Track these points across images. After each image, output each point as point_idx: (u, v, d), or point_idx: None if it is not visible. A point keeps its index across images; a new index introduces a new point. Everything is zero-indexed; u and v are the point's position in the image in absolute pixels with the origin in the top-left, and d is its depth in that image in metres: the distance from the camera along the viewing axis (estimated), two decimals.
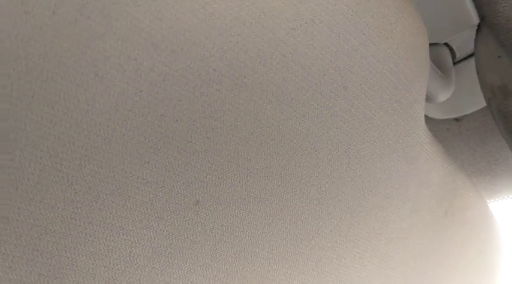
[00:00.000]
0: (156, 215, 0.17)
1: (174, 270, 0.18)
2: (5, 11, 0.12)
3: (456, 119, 0.41)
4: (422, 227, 0.28)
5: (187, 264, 0.18)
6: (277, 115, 0.19)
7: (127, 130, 0.15)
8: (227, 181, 0.18)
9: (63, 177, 0.15)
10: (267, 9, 0.17)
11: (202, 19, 0.15)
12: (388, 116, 0.23)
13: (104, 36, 0.14)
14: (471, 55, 0.36)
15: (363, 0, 0.19)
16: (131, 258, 0.17)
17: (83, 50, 0.14)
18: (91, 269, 0.16)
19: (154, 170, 0.16)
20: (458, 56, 0.36)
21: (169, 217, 0.17)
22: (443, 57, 0.34)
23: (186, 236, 0.18)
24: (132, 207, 0.16)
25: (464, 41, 0.34)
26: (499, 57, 0.27)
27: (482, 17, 0.26)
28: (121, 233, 0.16)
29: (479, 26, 0.29)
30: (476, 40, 0.29)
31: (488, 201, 0.48)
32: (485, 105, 0.32)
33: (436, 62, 0.33)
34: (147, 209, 0.17)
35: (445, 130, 0.42)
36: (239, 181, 0.19)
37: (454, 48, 0.35)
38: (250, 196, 0.19)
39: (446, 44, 0.35)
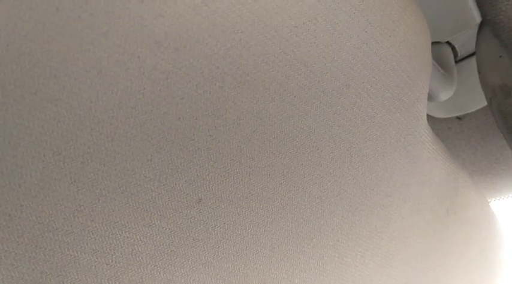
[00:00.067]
0: (158, 213, 0.17)
1: (176, 268, 0.18)
2: (9, 7, 0.12)
3: (458, 118, 0.41)
4: (424, 226, 0.28)
5: (190, 262, 0.18)
6: (280, 113, 0.19)
7: (130, 127, 0.15)
8: (229, 179, 0.18)
9: (66, 174, 0.15)
10: (269, 7, 0.17)
11: (205, 17, 0.15)
12: (390, 114, 0.23)
13: (107, 34, 0.14)
14: (473, 54, 0.36)
15: None
16: (133, 256, 0.17)
17: (86, 47, 0.14)
18: (93, 267, 0.16)
19: (157, 168, 0.16)
20: (460, 54, 0.36)
21: (171, 215, 0.17)
22: (445, 55, 0.34)
23: (188, 234, 0.18)
24: (134, 204, 0.16)
25: (466, 40, 0.34)
26: (500, 56, 0.27)
27: (484, 16, 0.26)
28: (123, 231, 0.16)
29: (480, 25, 0.29)
30: (477, 39, 0.29)
31: (489, 200, 0.48)
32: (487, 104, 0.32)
33: (438, 61, 0.33)
34: (149, 207, 0.17)
35: (447, 129, 0.42)
36: (241, 179, 0.19)
37: (456, 46, 0.35)
38: (252, 194, 0.19)
39: (448, 43, 0.35)
